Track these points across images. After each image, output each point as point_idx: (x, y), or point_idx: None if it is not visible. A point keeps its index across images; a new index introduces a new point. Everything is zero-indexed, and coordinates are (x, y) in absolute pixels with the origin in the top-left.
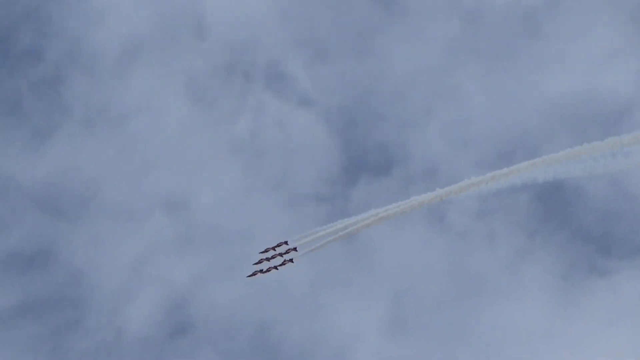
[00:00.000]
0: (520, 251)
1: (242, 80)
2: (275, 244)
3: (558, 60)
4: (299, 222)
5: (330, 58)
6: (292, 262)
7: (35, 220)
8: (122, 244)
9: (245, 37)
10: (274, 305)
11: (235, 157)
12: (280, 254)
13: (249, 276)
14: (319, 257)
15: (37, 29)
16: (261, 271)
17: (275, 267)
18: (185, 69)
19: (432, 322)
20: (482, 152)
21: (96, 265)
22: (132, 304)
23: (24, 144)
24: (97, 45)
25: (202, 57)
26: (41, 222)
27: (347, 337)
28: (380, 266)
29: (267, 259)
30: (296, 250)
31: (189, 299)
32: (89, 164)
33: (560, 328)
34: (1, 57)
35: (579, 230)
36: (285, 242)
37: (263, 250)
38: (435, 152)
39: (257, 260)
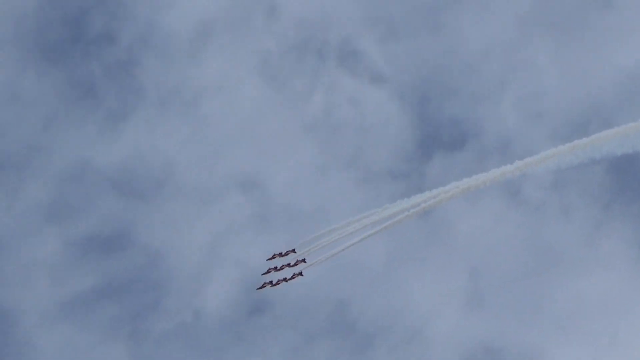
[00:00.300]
0: (596, 223)
1: (314, 58)
2: (284, 252)
3: (630, 30)
4: (373, 199)
5: (402, 34)
6: (302, 274)
7: (112, 202)
8: (198, 224)
9: (317, 15)
10: (351, 282)
11: (309, 136)
12: (289, 265)
13: (259, 289)
14: (395, 233)
15: (110, 12)
16: (270, 283)
17: (285, 279)
18: (257, 48)
19: (508, 296)
20: (556, 125)
21: (173, 246)
22: (210, 284)
23: (98, 127)
24: (170, 27)
25: (274, 36)
26: (118, 205)
27: (424, 313)
28: (456, 241)
29: (276, 269)
30: (305, 262)
31: (265, 278)
32: (164, 145)
33: (638, 299)
34: (75, 41)
35: None
36: (293, 250)
37: (270, 257)
38: (509, 125)
39: (265, 271)
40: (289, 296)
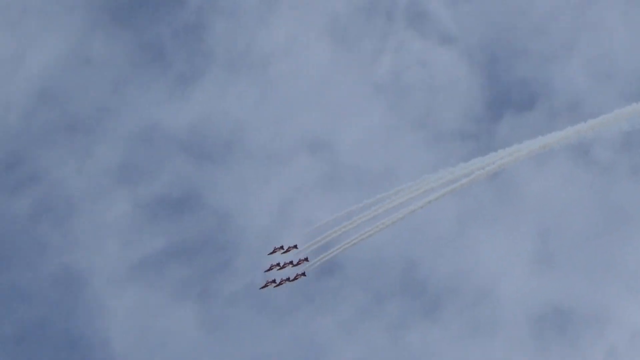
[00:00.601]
0: None
1: (383, 20)
2: (286, 249)
3: None
4: (443, 160)
5: None
6: (305, 275)
7: (181, 164)
8: (267, 186)
9: None
10: (421, 243)
11: (378, 97)
12: (292, 263)
13: (261, 288)
14: (464, 194)
15: None
16: (274, 282)
17: (288, 279)
18: (326, 10)
19: (578, 257)
20: (626, 85)
21: (242, 207)
22: (279, 245)
23: (168, 90)
24: None
25: None
26: (187, 167)
27: (493, 273)
28: (525, 202)
29: (278, 265)
30: (307, 260)
31: (336, 239)
32: (233, 107)
33: None
34: (144, 4)
35: None
36: (295, 246)
37: (271, 251)
38: (578, 86)
39: (267, 267)
40: (358, 257)
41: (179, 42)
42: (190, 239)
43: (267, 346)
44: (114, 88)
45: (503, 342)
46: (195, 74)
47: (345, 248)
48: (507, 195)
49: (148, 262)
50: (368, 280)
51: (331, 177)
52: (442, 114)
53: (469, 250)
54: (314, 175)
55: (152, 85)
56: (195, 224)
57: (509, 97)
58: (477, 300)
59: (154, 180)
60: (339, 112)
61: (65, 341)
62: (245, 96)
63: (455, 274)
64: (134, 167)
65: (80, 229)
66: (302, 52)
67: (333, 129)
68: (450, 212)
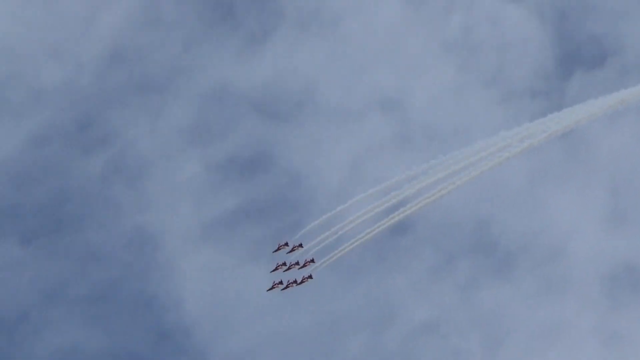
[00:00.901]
0: None
1: None
2: (291, 248)
3: None
4: (513, 118)
5: None
6: (312, 277)
7: (253, 124)
8: (339, 145)
9: None
10: (492, 202)
11: (448, 55)
12: (297, 264)
13: (268, 290)
14: (536, 152)
15: None
16: (280, 283)
17: (295, 281)
18: None
19: None
20: None
21: (313, 167)
22: (350, 204)
23: (238, 49)
24: None
25: None
26: (258, 126)
27: (565, 231)
28: (596, 160)
29: (284, 265)
30: (314, 262)
31: (407, 198)
32: (304, 66)
33: None
34: None
35: None
36: (300, 245)
37: (276, 248)
38: None
39: (273, 267)
40: (430, 216)
41: (249, 1)
42: (261, 198)
43: (339, 306)
44: (185, 48)
45: (575, 301)
46: (266, 32)
47: (417, 207)
48: (578, 153)
49: (220, 223)
50: (440, 239)
51: (402, 135)
52: (513, 71)
53: (541, 208)
54: (385, 133)
55: (223, 44)
56: (266, 183)
57: (579, 54)
58: (549, 259)
59: (225, 140)
60: (409, 70)
61: (138, 302)
62: (316, 55)
63: (527, 232)
64: (206, 127)
65: (153, 190)
66: (372, 9)
67: (404, 87)
68: (521, 170)
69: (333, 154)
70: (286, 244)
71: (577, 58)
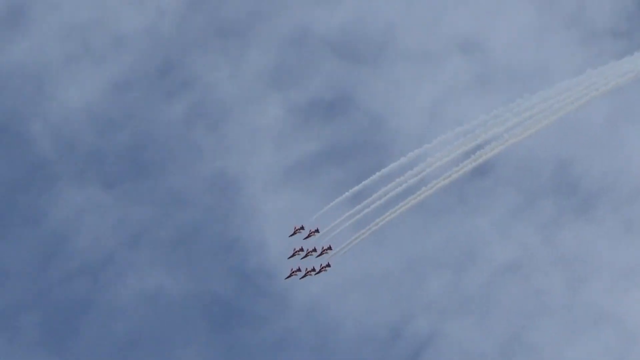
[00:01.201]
0: None
1: None
2: (307, 234)
3: None
4: (594, 58)
5: None
6: (329, 266)
7: (333, 67)
8: (419, 87)
9: None
10: (573, 142)
11: None
12: (315, 250)
13: (286, 278)
14: (617, 93)
15: None
16: (298, 270)
17: (313, 269)
18: None
19: None
20: None
21: (394, 109)
22: (431, 146)
23: None
24: None
25: None
26: (339, 69)
27: None
28: None
29: (302, 251)
30: (330, 249)
31: (488, 139)
32: (384, 9)
33: None
34: None
35: None
36: (317, 230)
37: (292, 232)
38: None
39: (291, 254)
40: (511, 157)
41: None
42: (342, 141)
43: (422, 246)
44: None
45: None
46: None
47: (498, 149)
48: None
49: (301, 165)
50: (521, 180)
51: (482, 77)
52: (594, 12)
53: (623, 149)
54: (465, 75)
55: None
56: (347, 126)
57: None
58: (630, 199)
59: (305, 83)
60: (489, 11)
61: (221, 245)
62: None
63: (609, 173)
64: (286, 70)
65: (234, 134)
66: None
67: (484, 28)
68: (602, 111)
69: (413, 96)
70: (302, 228)
71: None
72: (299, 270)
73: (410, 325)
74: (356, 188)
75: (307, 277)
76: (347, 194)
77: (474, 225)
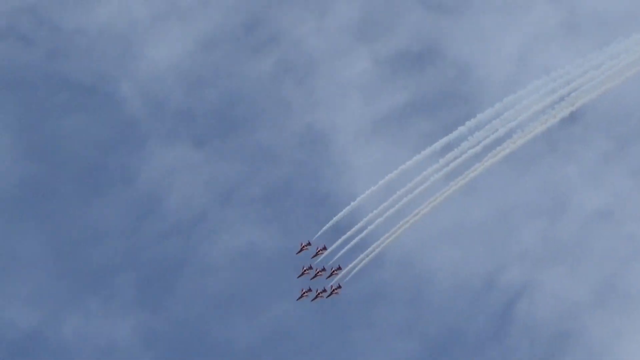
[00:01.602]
0: None
1: None
2: (315, 252)
3: None
4: None
5: None
6: (340, 287)
7: (420, 17)
8: (506, 34)
9: None
10: None
11: None
12: (324, 270)
13: (298, 299)
14: None
15: None
16: (309, 290)
17: (324, 290)
18: None
19: None
20: None
21: (482, 58)
22: (520, 95)
23: None
24: None
25: None
26: (425, 19)
27: None
28: None
29: (311, 269)
30: (340, 269)
31: (576, 87)
32: None
33: None
34: None
35: None
36: (324, 248)
37: (299, 250)
38: None
39: (300, 272)
40: (601, 103)
41: None
42: (430, 92)
43: (513, 196)
44: None
45: None
46: None
47: (587, 96)
48: None
49: (389, 117)
50: (611, 127)
51: (570, 23)
52: None
53: None
54: (553, 21)
55: None
56: (434, 77)
57: None
58: None
59: (392, 35)
60: None
61: (312, 199)
62: None
63: None
64: (373, 22)
65: (322, 88)
66: None
67: None
68: None
69: (501, 44)
70: (309, 244)
71: None
72: (309, 290)
73: (503, 275)
74: (445, 139)
75: (318, 298)
76: (436, 145)
77: (565, 173)
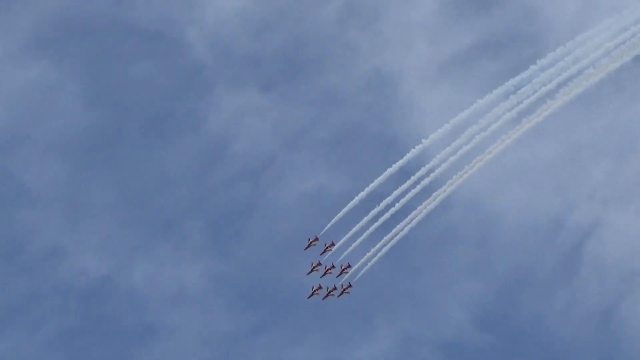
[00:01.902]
0: None
1: None
2: (323, 248)
3: None
4: None
5: None
6: (351, 285)
7: None
8: None
9: None
10: None
11: None
12: (334, 267)
13: (309, 297)
14: None
15: None
16: (320, 288)
17: (335, 288)
18: None
19: None
20: None
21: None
22: (587, 35)
23: None
24: None
25: None
26: None
27: None
28: None
29: (320, 265)
30: (350, 267)
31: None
32: None
33: None
34: None
35: None
36: (332, 244)
37: (307, 245)
38: None
39: (309, 270)
40: None
41: None
42: (497, 33)
43: (581, 136)
44: None
45: None
46: None
47: None
48: None
49: (456, 59)
50: None
51: None
52: None
53: None
54: None
55: None
56: (501, 18)
57: None
58: None
59: None
60: None
61: (380, 142)
62: None
63: None
64: None
65: (388, 31)
66: None
67: None
68: None
69: None
70: (317, 239)
71: None
72: (320, 288)
73: (572, 215)
74: (511, 80)
75: (329, 297)
76: (503, 86)
77: (633, 112)
